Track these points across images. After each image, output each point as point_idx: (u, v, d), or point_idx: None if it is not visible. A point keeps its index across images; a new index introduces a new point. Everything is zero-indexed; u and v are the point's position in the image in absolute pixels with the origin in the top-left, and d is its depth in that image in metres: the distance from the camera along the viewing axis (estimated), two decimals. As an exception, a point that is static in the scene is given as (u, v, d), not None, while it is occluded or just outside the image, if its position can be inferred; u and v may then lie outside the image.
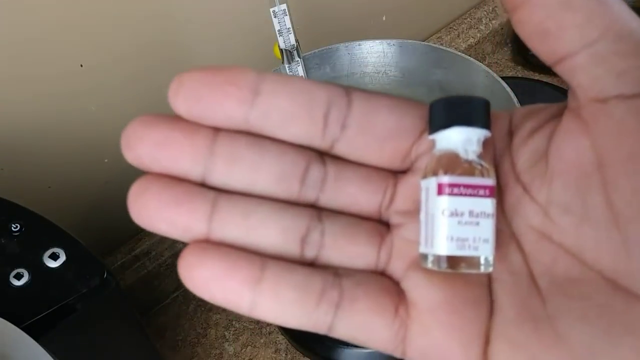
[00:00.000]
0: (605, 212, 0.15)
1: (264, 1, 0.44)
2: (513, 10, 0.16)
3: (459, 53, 0.49)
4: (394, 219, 0.19)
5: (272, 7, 0.45)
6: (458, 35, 0.72)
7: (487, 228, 0.16)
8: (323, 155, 0.18)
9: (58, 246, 0.36)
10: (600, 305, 0.15)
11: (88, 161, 0.51)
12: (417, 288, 0.17)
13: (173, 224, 0.17)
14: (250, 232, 0.17)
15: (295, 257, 0.18)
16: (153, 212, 0.17)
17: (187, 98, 0.17)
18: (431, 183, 0.17)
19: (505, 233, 0.17)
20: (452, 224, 0.16)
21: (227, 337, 0.55)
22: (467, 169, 0.16)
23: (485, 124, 0.17)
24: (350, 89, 0.18)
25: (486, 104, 0.17)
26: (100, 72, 0.48)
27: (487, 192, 0.16)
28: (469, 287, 0.17)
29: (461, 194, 0.16)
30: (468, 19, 0.73)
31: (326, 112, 0.17)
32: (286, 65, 0.48)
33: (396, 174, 0.19)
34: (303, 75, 0.49)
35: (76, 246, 0.37)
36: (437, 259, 0.16)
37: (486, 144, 0.17)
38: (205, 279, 0.17)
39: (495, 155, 0.18)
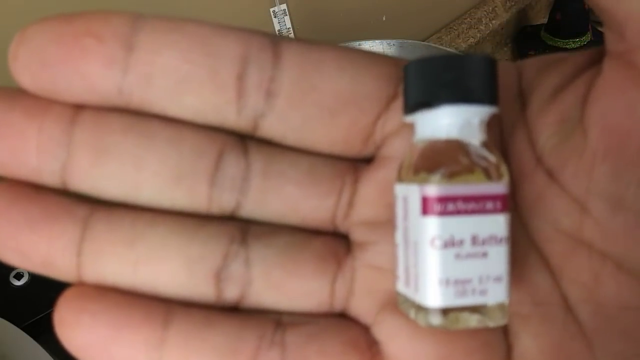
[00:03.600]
0: None
1: (264, 1, 0.44)
2: None
3: (459, 53, 0.49)
4: (356, 234, 0.13)
5: (272, 7, 0.45)
6: (458, 35, 0.72)
7: (498, 259, 0.11)
8: (245, 141, 0.13)
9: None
10: None
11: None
12: (397, 339, 0.12)
13: (27, 256, 0.12)
14: (140, 268, 0.12)
15: (209, 300, 0.12)
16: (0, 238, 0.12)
17: (29, 62, 0.11)
18: (411, 193, 0.11)
19: (521, 243, 0.12)
20: (446, 259, 0.11)
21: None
22: (466, 166, 0.11)
23: (491, 97, 0.11)
24: (278, 38, 0.12)
25: (492, 65, 0.11)
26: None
27: (499, 204, 0.11)
28: (473, 332, 0.12)
29: (459, 212, 0.11)
30: (468, 19, 0.73)
31: (240, 72, 0.12)
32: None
33: (356, 164, 0.13)
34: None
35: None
36: (426, 312, 0.11)
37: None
38: (86, 345, 0.12)
39: (503, 129, 0.12)
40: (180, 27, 0.12)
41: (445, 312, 0.11)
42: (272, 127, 0.12)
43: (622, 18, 0.10)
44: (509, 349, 0.12)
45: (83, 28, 0.11)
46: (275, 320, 0.12)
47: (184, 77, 0.12)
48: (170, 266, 0.12)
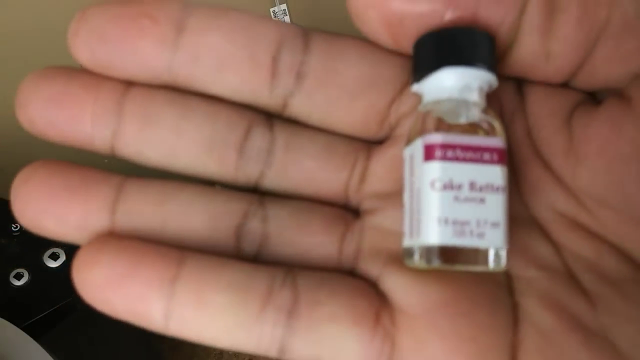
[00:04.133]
0: None
1: (264, 1, 0.44)
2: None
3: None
4: (366, 204, 0.14)
5: (272, 7, 0.45)
6: (458, 35, 0.72)
7: (496, 206, 0.12)
8: (271, 119, 0.14)
9: (58, 246, 0.36)
10: None
11: (88, 161, 0.51)
12: (402, 286, 0.13)
13: (62, 220, 0.13)
14: (168, 225, 0.13)
15: (228, 251, 0.13)
16: (36, 205, 0.13)
17: (89, 39, 0.13)
18: (416, 147, 0.12)
19: (523, 219, 0.13)
20: (446, 200, 0.12)
21: (227, 337, 0.55)
22: (466, 127, 0.12)
23: (490, 64, 0.12)
24: (307, 29, 0.14)
25: (490, 38, 0.12)
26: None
27: (495, 156, 0.12)
28: (479, 283, 0.12)
29: (458, 159, 0.12)
30: (468, 19, 0.73)
31: (275, 55, 0.13)
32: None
33: (370, 145, 0.14)
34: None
35: (76, 246, 0.37)
36: (426, 251, 0.12)
37: (490, 100, 0.13)
38: (101, 282, 0.12)
39: (504, 118, 0.13)
40: (224, 13, 0.13)
41: (444, 251, 0.12)
42: (300, 106, 0.14)
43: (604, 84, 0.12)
44: (515, 307, 0.12)
45: (139, 10, 0.13)
46: (287, 269, 0.13)
47: (226, 57, 0.13)
48: (196, 222, 0.13)
